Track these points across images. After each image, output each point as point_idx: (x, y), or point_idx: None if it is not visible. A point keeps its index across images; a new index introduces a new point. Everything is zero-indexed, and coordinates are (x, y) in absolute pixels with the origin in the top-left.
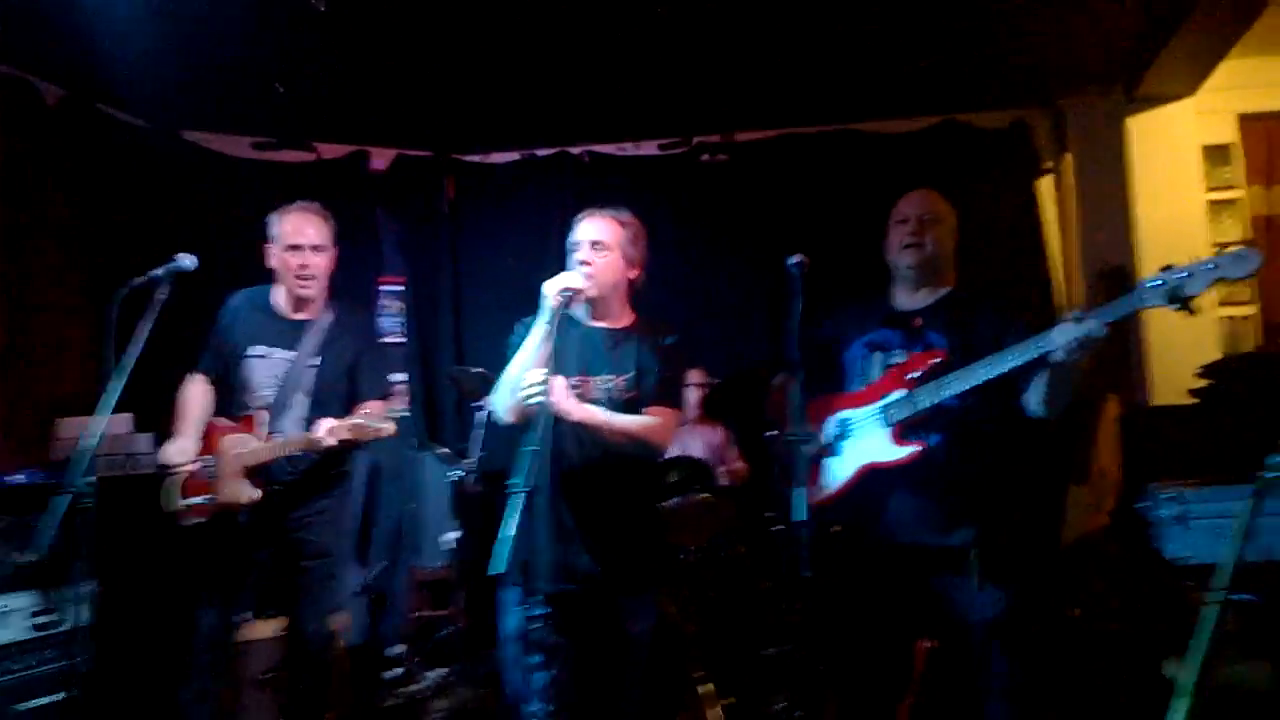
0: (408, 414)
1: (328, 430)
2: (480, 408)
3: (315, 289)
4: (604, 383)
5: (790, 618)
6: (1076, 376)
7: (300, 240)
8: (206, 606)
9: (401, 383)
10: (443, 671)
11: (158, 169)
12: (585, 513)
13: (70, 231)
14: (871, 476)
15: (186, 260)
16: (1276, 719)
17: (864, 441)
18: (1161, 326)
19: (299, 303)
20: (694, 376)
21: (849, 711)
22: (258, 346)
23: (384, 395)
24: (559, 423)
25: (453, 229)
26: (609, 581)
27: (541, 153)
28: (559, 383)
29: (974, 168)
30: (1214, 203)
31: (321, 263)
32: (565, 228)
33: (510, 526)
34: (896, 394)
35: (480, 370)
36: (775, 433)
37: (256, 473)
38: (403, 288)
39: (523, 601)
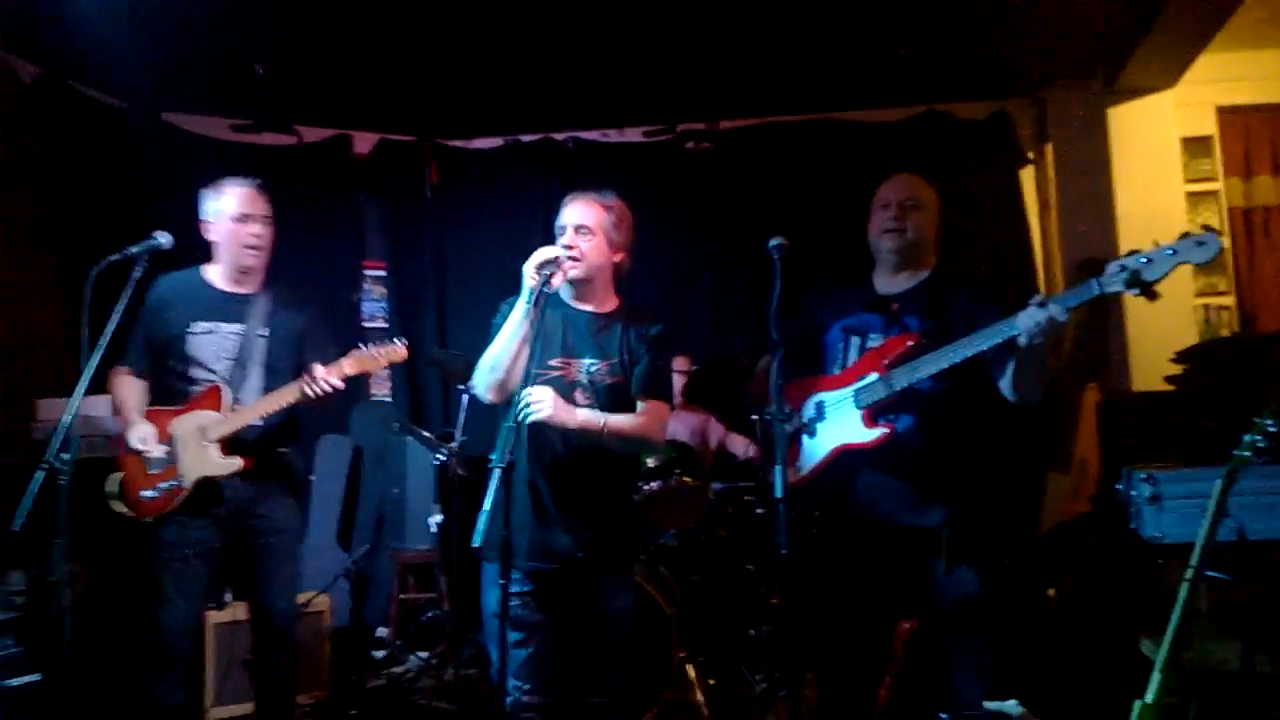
0: (389, 399)
1: (324, 373)
2: (464, 391)
3: (261, 260)
4: (588, 366)
5: (772, 599)
6: (1043, 361)
7: (252, 210)
8: (172, 597)
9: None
10: (427, 653)
11: (135, 150)
12: (565, 494)
13: (46, 212)
14: (845, 458)
15: (163, 238)
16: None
17: (837, 424)
18: (1142, 316)
19: (241, 276)
20: (678, 364)
21: (830, 692)
22: (200, 324)
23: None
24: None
25: (436, 214)
26: (588, 561)
27: (526, 138)
28: (551, 393)
29: (956, 157)
30: (1193, 194)
31: (269, 235)
32: (549, 213)
33: (488, 502)
34: (870, 377)
35: (463, 354)
36: (757, 415)
37: (229, 443)
38: (385, 272)
39: (502, 578)
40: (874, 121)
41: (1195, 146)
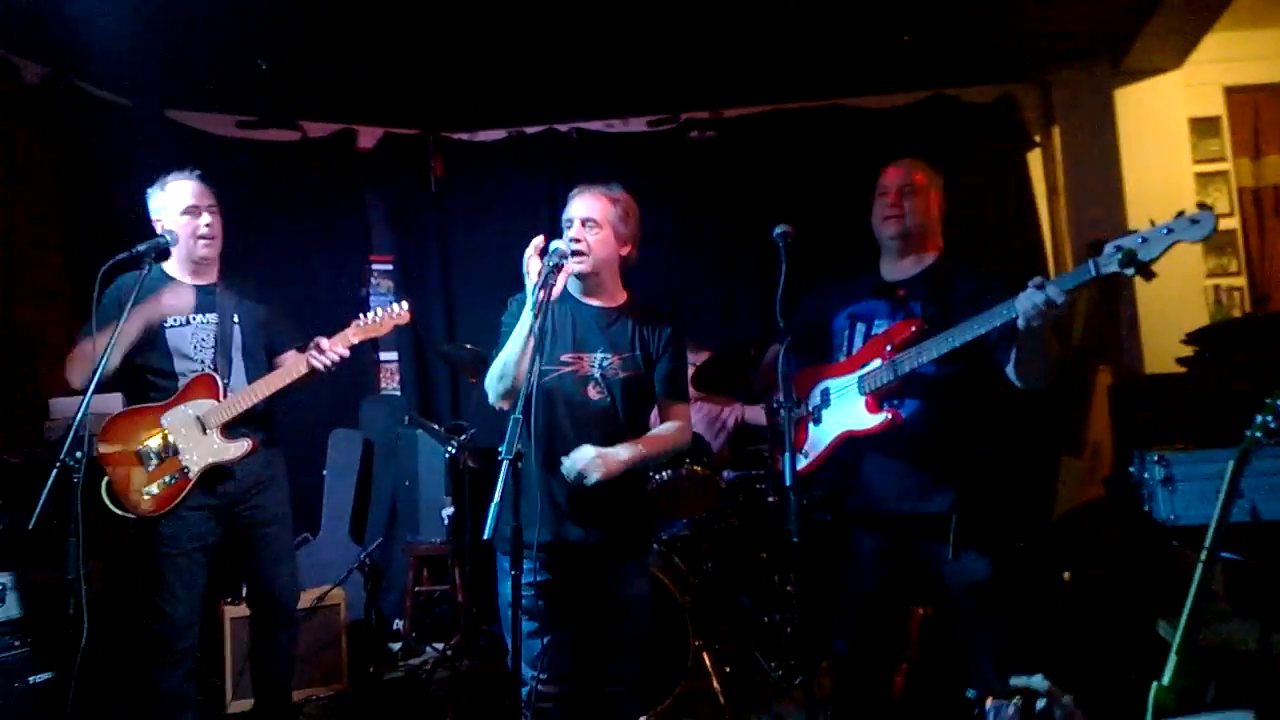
0: (398, 392)
1: (331, 343)
2: (474, 383)
3: (215, 250)
4: (600, 360)
5: (786, 587)
6: (1044, 344)
7: (199, 201)
8: (174, 596)
9: (392, 361)
10: (442, 645)
11: (141, 148)
12: (579, 484)
13: (53, 211)
14: (851, 444)
15: (169, 235)
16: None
17: (842, 410)
18: (1153, 298)
19: (198, 268)
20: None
21: (845, 678)
22: (172, 318)
23: (301, 345)
24: (552, 396)
25: (441, 207)
26: (604, 551)
27: (529, 130)
28: (589, 451)
29: (962, 142)
30: (1202, 175)
31: (218, 223)
32: (554, 204)
33: (497, 493)
34: (874, 363)
35: (471, 346)
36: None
37: (229, 429)
38: (392, 266)
39: (512, 568)
40: (879, 107)
41: (1203, 127)
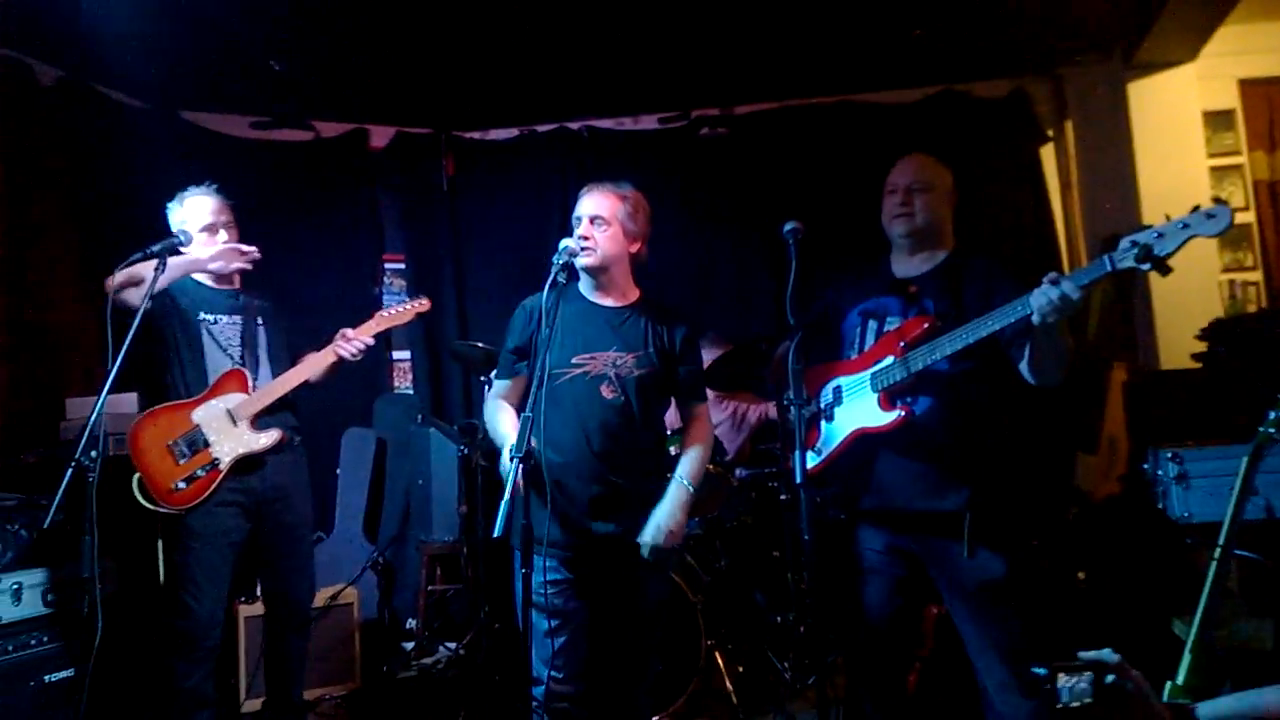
0: (411, 391)
1: (356, 333)
2: (485, 381)
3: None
4: (613, 359)
5: (800, 586)
6: (1058, 340)
7: (216, 219)
8: (200, 591)
9: (404, 360)
10: (455, 643)
11: (156, 149)
12: (595, 483)
13: (69, 212)
14: (864, 442)
15: (183, 235)
16: None
17: (855, 408)
18: (1169, 293)
19: (221, 278)
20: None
21: (859, 678)
22: (206, 315)
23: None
24: (566, 397)
25: (453, 205)
26: (622, 549)
27: (540, 128)
28: (659, 527)
29: (974, 137)
30: (1216, 168)
31: (234, 237)
32: (565, 202)
33: (507, 492)
34: (886, 360)
35: (483, 345)
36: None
37: (258, 421)
38: (404, 265)
39: (523, 566)
40: (890, 103)
41: (1217, 120)
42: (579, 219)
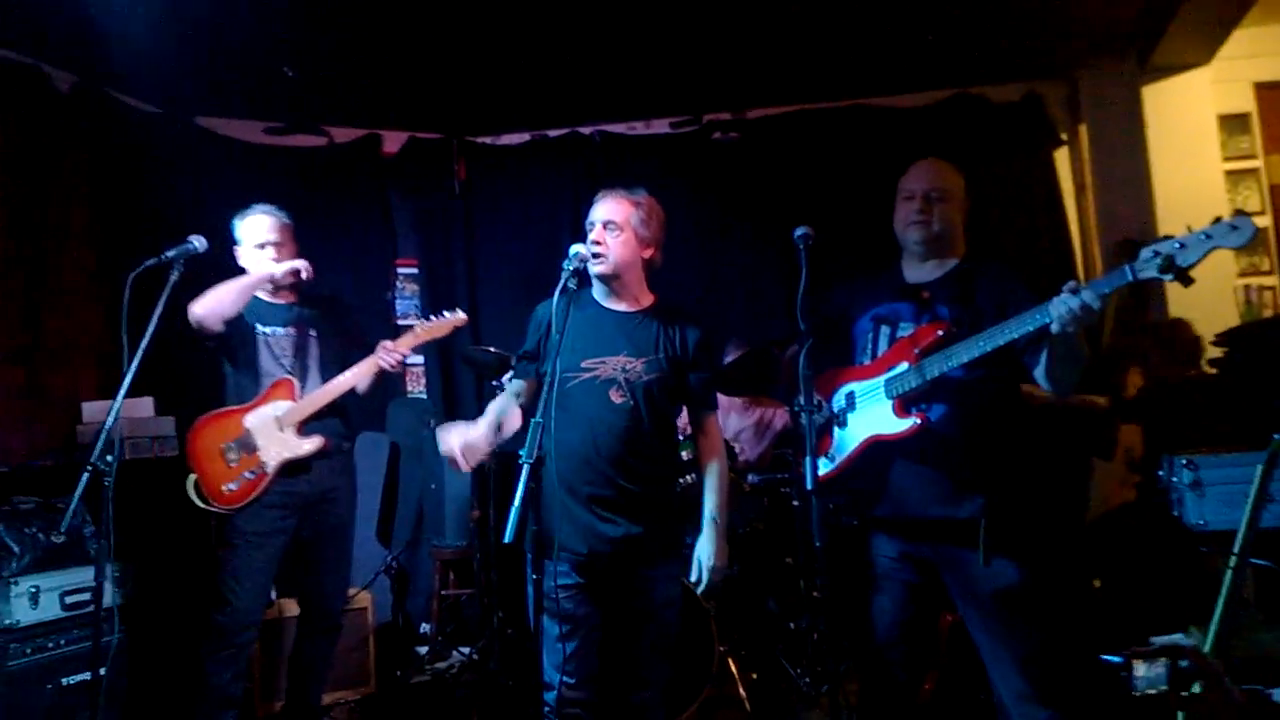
0: (424, 395)
1: (395, 345)
2: (497, 386)
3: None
4: (623, 364)
5: (813, 593)
6: (1076, 349)
7: (270, 237)
8: (243, 589)
9: (417, 365)
10: (469, 648)
11: (171, 155)
12: (607, 488)
13: (84, 219)
14: (878, 449)
15: (198, 241)
16: None
17: (868, 414)
18: (1184, 298)
19: (277, 291)
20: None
21: (872, 686)
22: (262, 326)
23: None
24: (575, 401)
25: (465, 210)
26: (633, 555)
27: (552, 133)
28: (705, 561)
29: (988, 141)
30: (1231, 172)
31: (284, 256)
32: (577, 206)
33: (518, 498)
34: (900, 366)
35: (496, 349)
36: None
37: (304, 427)
38: (417, 270)
39: (534, 572)
40: (903, 106)
41: (1233, 124)
42: (592, 224)
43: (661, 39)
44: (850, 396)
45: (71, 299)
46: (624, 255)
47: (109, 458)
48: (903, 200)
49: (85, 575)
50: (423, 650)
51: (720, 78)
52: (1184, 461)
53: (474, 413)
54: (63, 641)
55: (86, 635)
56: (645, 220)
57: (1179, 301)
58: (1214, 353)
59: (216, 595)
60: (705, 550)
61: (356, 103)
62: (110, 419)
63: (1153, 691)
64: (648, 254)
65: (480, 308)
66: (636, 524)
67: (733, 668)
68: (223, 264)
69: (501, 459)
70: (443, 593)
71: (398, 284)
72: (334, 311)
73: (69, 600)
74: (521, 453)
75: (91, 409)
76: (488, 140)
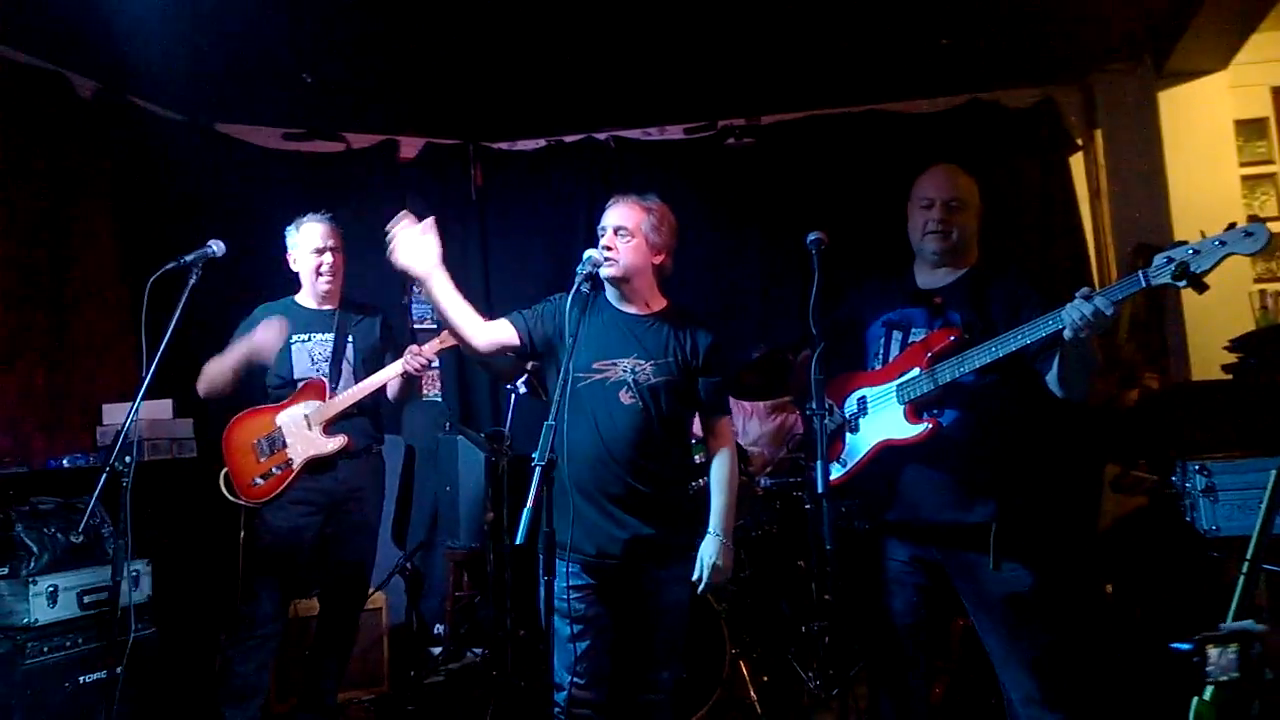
0: (439, 398)
1: (422, 349)
2: (511, 390)
3: (335, 284)
4: (631, 366)
5: (824, 596)
6: (1089, 355)
7: (323, 243)
8: (268, 581)
9: (434, 368)
10: (482, 649)
11: (191, 160)
12: (619, 490)
13: (106, 223)
14: (890, 454)
15: (216, 246)
16: None
17: (880, 419)
18: (1200, 303)
19: (324, 297)
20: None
21: (883, 689)
22: (298, 335)
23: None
24: (585, 403)
25: (481, 215)
26: (645, 556)
27: (568, 139)
28: (707, 565)
29: (1003, 146)
30: (1248, 177)
31: (338, 261)
32: (591, 212)
33: (530, 500)
34: (912, 372)
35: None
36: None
37: (331, 427)
38: None
39: (545, 573)
40: (918, 112)
41: (1249, 129)
42: (604, 229)
43: (676, 45)
44: (862, 401)
45: (93, 302)
46: (634, 260)
47: (127, 459)
48: (920, 208)
49: (103, 575)
50: (436, 651)
51: (735, 83)
52: (1197, 467)
53: (489, 416)
54: (80, 640)
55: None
56: (656, 226)
57: (1195, 308)
58: (1229, 358)
59: (245, 588)
60: (708, 550)
61: (374, 109)
62: (128, 420)
63: (1225, 679)
64: (658, 260)
65: (495, 312)
66: (647, 525)
67: (744, 670)
68: (241, 267)
69: (515, 462)
70: (456, 594)
71: (414, 289)
72: (372, 318)
73: (87, 600)
74: (534, 455)
75: (112, 410)
76: (504, 146)
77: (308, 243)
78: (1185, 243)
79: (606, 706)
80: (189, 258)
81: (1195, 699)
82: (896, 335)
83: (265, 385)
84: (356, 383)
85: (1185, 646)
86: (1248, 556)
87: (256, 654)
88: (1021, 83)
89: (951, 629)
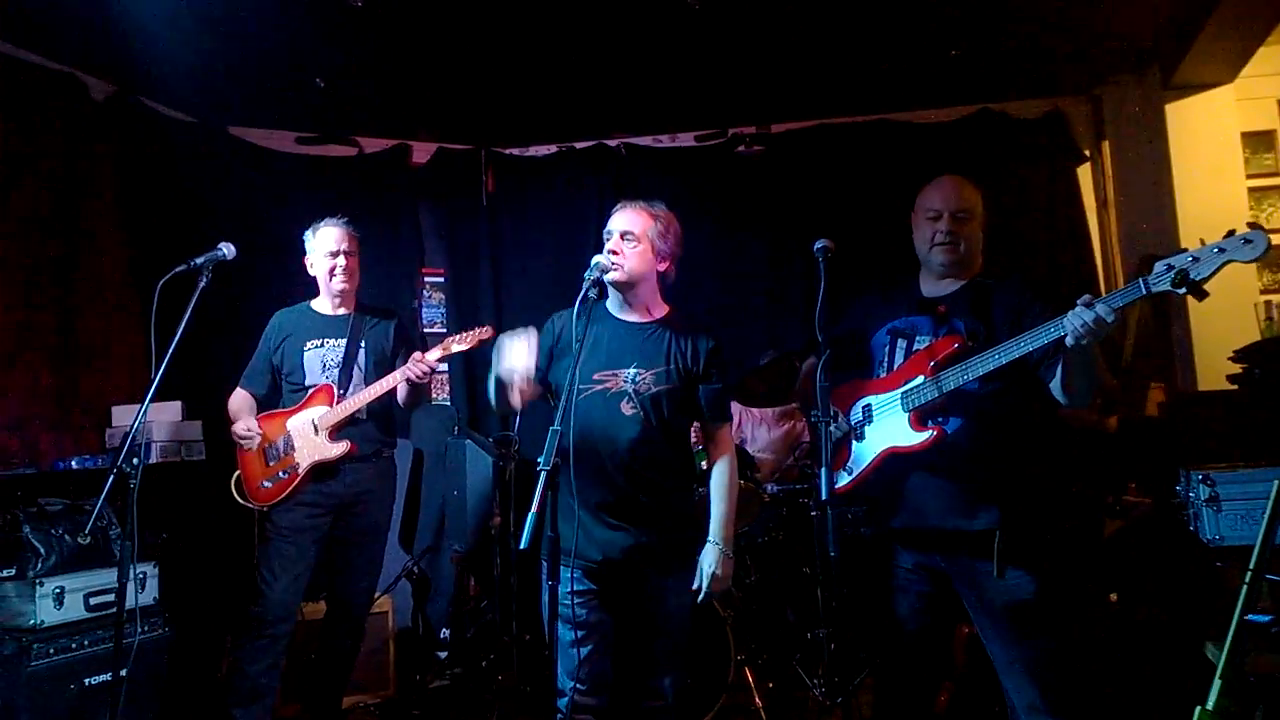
0: (448, 403)
1: (425, 356)
2: None
3: (351, 285)
4: (632, 375)
5: (830, 603)
6: (1091, 362)
7: (339, 247)
8: (277, 583)
9: (442, 372)
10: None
11: (203, 163)
12: (623, 496)
13: (118, 225)
14: (895, 461)
15: (227, 249)
16: None
17: (885, 426)
18: (1207, 313)
19: (338, 300)
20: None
21: (887, 696)
22: (311, 341)
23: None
24: (587, 413)
25: (491, 220)
26: (648, 562)
27: (579, 145)
28: (708, 571)
29: (1011, 157)
30: (1255, 189)
31: (352, 264)
32: (602, 218)
33: (534, 504)
34: (917, 379)
35: None
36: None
37: (338, 431)
38: (444, 279)
39: (550, 578)
40: (927, 122)
41: (1257, 141)
42: (610, 234)
43: (688, 53)
44: (867, 409)
45: (104, 304)
46: (639, 266)
47: (134, 461)
48: (927, 219)
49: (110, 577)
50: (442, 655)
51: (745, 92)
52: (1200, 476)
53: (496, 421)
54: (86, 642)
55: (110, 636)
56: (662, 233)
57: (1202, 318)
58: (1235, 368)
59: (252, 588)
60: (708, 560)
61: (387, 113)
62: (136, 422)
63: None
64: (663, 267)
65: (505, 317)
66: (649, 533)
67: (749, 676)
68: (252, 270)
69: (522, 466)
70: (463, 598)
71: (424, 292)
72: (386, 322)
73: (93, 601)
74: (539, 460)
75: (121, 412)
76: (515, 151)
77: (323, 246)
78: (1186, 250)
79: (609, 713)
80: (199, 260)
81: (1198, 708)
82: (901, 343)
83: (282, 388)
84: (367, 387)
85: (1263, 619)
86: (1250, 566)
87: (265, 655)
88: (1030, 94)
89: (956, 636)
